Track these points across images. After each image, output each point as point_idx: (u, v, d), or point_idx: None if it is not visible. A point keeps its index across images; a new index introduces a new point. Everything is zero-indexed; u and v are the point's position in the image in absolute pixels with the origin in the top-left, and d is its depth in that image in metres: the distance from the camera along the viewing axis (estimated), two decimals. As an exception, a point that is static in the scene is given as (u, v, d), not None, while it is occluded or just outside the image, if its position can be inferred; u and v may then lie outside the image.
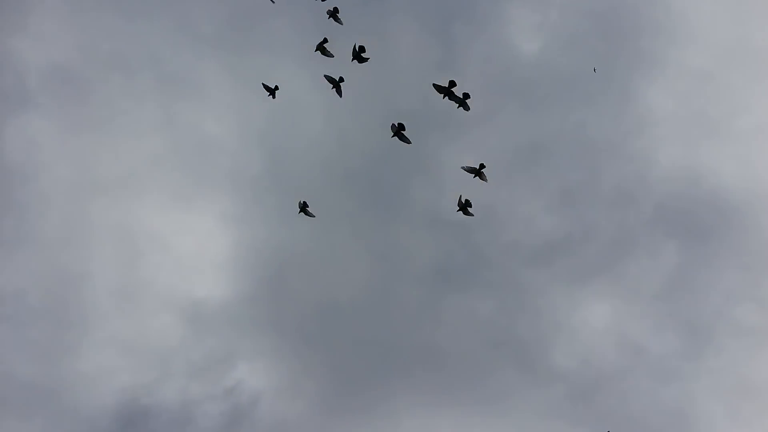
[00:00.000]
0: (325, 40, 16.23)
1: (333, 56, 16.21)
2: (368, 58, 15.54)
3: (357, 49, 15.39)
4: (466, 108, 15.20)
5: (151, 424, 22.78)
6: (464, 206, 15.94)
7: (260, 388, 25.57)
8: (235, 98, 30.39)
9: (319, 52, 16.38)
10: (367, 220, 33.46)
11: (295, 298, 29.04)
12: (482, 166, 15.11)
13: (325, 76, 16.46)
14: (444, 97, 15.09)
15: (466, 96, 15.19)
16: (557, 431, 27.54)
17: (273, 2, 16.11)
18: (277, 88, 17.30)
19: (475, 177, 15.18)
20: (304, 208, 18.08)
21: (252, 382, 25.60)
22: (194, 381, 24.72)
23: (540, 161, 34.01)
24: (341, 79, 16.41)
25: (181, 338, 26.00)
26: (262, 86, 16.81)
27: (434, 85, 15.12)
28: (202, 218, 30.18)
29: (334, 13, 15.87)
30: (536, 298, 31.48)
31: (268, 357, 27.00)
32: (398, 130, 15.76)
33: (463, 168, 15.36)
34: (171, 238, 28.74)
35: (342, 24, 16.14)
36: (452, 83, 15.07)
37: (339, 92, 16.59)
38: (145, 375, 24.04)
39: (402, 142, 15.66)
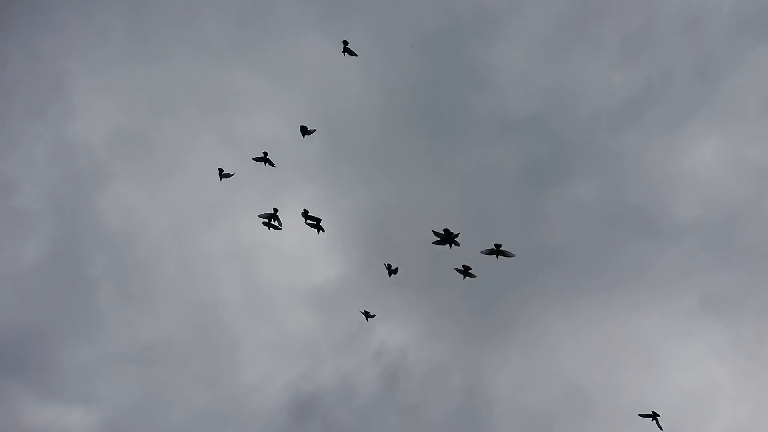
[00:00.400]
0: (276, 210, 18.43)
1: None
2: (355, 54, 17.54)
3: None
4: (457, 245, 16.12)
5: (321, 406, 24.60)
6: (466, 272, 16.48)
7: (404, 341, 26.64)
8: (274, 92, 30.91)
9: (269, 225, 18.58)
10: (441, 150, 33.07)
11: (404, 249, 29.53)
12: (498, 245, 15.56)
13: (307, 220, 18.42)
14: (450, 246, 16.14)
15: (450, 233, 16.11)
16: (705, 283, 26.32)
17: None
18: (276, 210, 18.66)
19: (498, 257, 15.52)
20: (367, 315, 18.90)
21: (395, 339, 26.73)
22: (343, 356, 26.22)
23: (588, 20, 31.52)
24: (318, 221, 18.47)
25: (318, 323, 27.54)
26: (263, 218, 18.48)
27: (434, 232, 16.36)
28: (294, 213, 31.42)
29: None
30: (637, 159, 29.72)
31: (401, 311, 27.95)
32: (389, 268, 17.60)
33: (482, 252, 15.81)
34: (275, 240, 30.25)
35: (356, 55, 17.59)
36: (447, 231, 16.20)
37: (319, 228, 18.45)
38: (300, 366, 25.85)
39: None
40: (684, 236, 27.18)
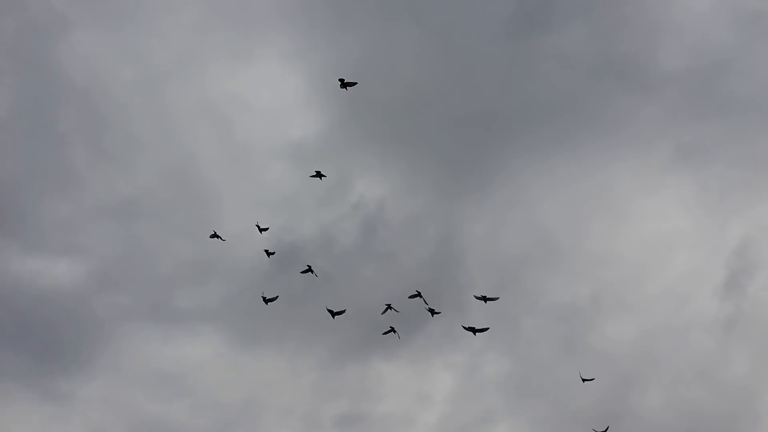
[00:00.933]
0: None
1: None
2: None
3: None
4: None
5: (302, 255, 25.55)
6: (432, 311, 18.17)
7: (381, 194, 27.10)
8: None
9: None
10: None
11: (382, 105, 29.04)
12: (484, 296, 18.03)
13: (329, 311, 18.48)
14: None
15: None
16: (680, 135, 26.49)
17: None
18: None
19: (487, 302, 18.04)
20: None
21: (372, 192, 27.13)
22: (323, 209, 26.74)
23: None
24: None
25: (297, 178, 27.71)
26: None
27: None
28: (268, 65, 30.12)
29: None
30: (627, 4, 28.51)
31: (379, 166, 28.12)
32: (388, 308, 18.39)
33: (475, 296, 18.18)
34: (249, 95, 29.40)
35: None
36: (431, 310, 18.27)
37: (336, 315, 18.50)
38: (281, 219, 26.38)
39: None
40: (667, 87, 26.95)
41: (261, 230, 19.70)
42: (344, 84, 17.62)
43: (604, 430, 18.68)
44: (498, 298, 18.08)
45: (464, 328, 18.00)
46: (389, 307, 18.31)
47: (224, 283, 24.29)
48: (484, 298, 17.95)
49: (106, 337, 24.05)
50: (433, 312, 18.22)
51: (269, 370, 24.32)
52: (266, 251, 19.62)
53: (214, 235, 19.89)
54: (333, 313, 18.64)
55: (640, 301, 25.35)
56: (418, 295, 18.24)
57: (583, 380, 18.59)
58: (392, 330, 18.23)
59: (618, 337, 24.50)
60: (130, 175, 26.02)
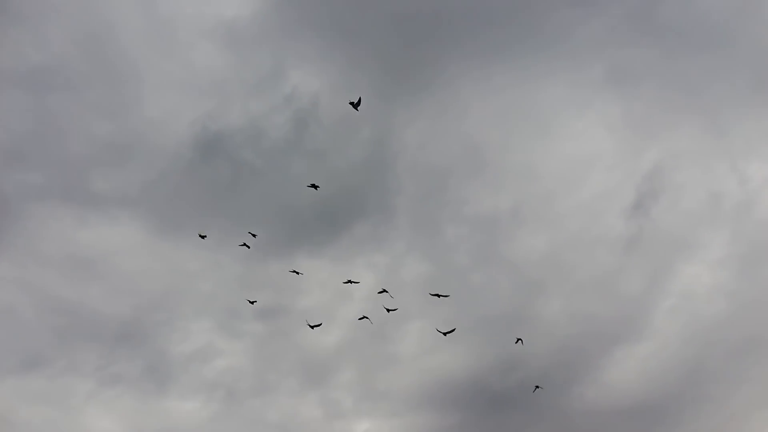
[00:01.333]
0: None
1: None
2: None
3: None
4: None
5: (228, 145, 24.84)
6: (388, 310, 20.85)
7: (316, 89, 26.34)
8: None
9: None
10: None
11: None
12: (436, 293, 20.29)
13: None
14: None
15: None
16: (615, 55, 26.94)
17: None
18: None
19: (440, 297, 20.34)
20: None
21: (307, 86, 26.30)
22: (253, 98, 25.77)
23: None
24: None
25: (227, 62, 26.29)
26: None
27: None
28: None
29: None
30: None
31: (315, 59, 27.03)
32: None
33: (430, 293, 20.57)
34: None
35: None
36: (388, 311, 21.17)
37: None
38: (206, 104, 25.28)
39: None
40: (610, 4, 26.99)
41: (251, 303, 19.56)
42: (355, 106, 18.19)
43: (518, 339, 20.81)
44: (449, 296, 20.69)
45: (431, 294, 21.13)
46: (365, 317, 21.26)
47: (144, 167, 23.47)
48: (438, 295, 20.59)
49: (14, 216, 22.95)
50: (389, 310, 20.74)
51: (191, 261, 24.27)
52: (245, 243, 19.40)
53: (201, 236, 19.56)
54: (312, 326, 19.33)
55: (554, 216, 26.90)
56: (384, 291, 20.85)
57: (518, 340, 20.27)
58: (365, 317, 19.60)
59: (530, 248, 26.14)
60: (41, 40, 23.64)
